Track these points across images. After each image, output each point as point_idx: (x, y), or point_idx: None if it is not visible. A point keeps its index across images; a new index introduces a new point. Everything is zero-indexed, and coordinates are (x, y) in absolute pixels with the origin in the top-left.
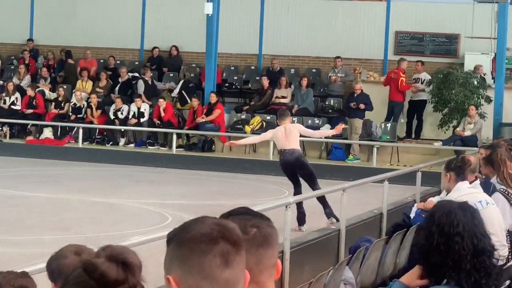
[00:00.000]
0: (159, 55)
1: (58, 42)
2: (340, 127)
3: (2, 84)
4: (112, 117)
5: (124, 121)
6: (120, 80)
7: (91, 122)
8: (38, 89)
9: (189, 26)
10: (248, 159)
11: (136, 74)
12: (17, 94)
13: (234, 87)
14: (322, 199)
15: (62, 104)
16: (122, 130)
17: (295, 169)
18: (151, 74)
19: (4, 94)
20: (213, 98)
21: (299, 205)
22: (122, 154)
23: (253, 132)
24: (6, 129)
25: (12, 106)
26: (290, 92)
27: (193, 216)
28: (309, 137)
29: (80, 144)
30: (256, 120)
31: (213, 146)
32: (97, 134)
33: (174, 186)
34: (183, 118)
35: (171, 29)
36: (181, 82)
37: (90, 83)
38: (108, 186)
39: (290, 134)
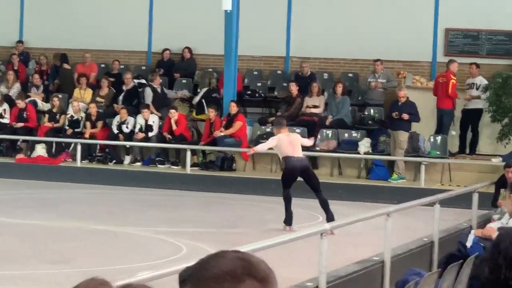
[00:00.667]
0: (169, 59)
1: (52, 45)
2: (311, 140)
3: None
4: (115, 131)
5: (130, 136)
6: (124, 87)
7: (91, 137)
8: (29, 99)
9: (205, 24)
10: (274, 179)
11: (143, 81)
12: (5, 105)
13: (257, 95)
14: (326, 205)
15: (57, 117)
16: (127, 146)
17: (302, 175)
18: (161, 80)
19: None
20: (233, 109)
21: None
22: (128, 174)
23: None
24: None
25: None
26: (323, 100)
27: (211, 246)
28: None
29: (78, 163)
30: None
31: (234, 164)
32: (98, 151)
33: (188, 211)
34: (198, 132)
35: (183, 28)
36: (205, 89)
37: (89, 91)
38: (112, 212)
39: (295, 143)
